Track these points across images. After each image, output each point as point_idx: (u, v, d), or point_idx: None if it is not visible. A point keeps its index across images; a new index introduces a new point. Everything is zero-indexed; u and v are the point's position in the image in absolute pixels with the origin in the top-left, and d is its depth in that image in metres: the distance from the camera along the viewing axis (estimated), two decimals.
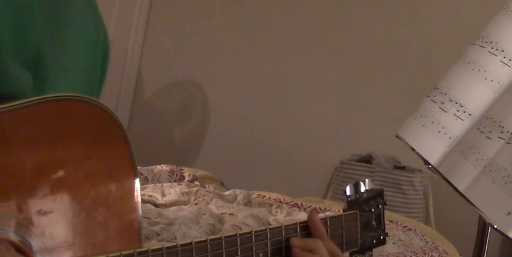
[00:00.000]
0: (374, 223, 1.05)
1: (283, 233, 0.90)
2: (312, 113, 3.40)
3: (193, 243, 0.78)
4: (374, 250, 1.07)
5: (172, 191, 2.26)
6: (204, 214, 1.98)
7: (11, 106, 0.70)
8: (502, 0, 1.36)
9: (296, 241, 0.92)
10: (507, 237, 1.13)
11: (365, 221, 1.04)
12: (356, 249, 1.03)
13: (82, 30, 0.89)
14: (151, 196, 2.19)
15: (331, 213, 2.17)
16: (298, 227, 0.93)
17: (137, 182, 0.79)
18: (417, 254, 1.88)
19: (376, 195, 1.06)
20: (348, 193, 1.04)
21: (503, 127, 1.21)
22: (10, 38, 0.78)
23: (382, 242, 1.07)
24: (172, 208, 2.09)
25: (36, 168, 0.71)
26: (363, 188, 1.04)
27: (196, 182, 2.49)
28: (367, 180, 1.05)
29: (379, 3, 3.31)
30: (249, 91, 3.54)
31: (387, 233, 1.08)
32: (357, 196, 1.03)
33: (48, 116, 0.73)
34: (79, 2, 0.90)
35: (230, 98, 3.59)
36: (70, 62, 0.87)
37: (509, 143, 1.18)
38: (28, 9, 0.80)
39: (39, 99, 0.72)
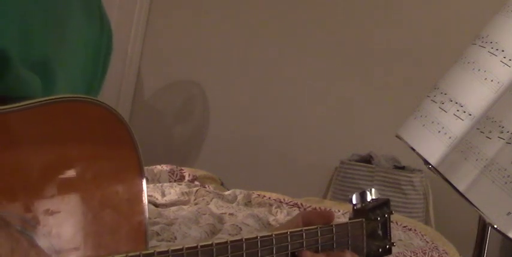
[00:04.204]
0: (380, 232, 1.05)
1: (289, 239, 0.90)
2: (311, 113, 3.40)
3: (199, 246, 0.78)
4: None
5: (173, 191, 2.26)
6: (204, 214, 1.98)
7: (19, 106, 0.70)
8: (502, 0, 1.36)
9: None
10: (507, 237, 1.13)
11: (371, 230, 1.03)
12: None
13: (83, 25, 0.89)
14: (151, 196, 2.19)
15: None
16: (304, 234, 0.92)
17: (144, 184, 0.79)
18: (417, 254, 1.88)
19: (382, 204, 1.06)
20: (354, 201, 1.03)
21: (503, 127, 1.21)
22: (18, 44, 0.78)
23: (388, 252, 1.07)
24: (172, 208, 2.10)
25: (44, 168, 0.71)
26: (369, 197, 1.04)
27: (196, 182, 2.50)
28: (373, 189, 1.05)
29: (379, 4, 3.31)
30: (249, 91, 3.54)
31: (393, 243, 1.08)
32: (363, 204, 1.03)
33: (56, 116, 0.73)
34: None
35: (230, 98, 3.59)
36: (70, 59, 0.86)
37: (509, 143, 1.18)
38: (31, 13, 0.80)
39: (46, 100, 0.72)
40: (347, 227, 0.99)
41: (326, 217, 0.97)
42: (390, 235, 1.08)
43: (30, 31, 0.80)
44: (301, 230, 0.92)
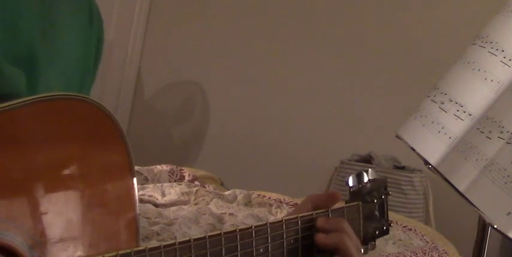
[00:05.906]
0: (377, 213, 1.04)
1: (284, 228, 0.89)
2: (311, 113, 3.40)
3: (191, 240, 0.77)
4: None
5: (172, 191, 2.26)
6: (204, 214, 1.98)
7: (7, 106, 0.69)
8: (502, 0, 1.36)
9: (321, 222, 0.91)
10: (507, 237, 1.13)
11: (367, 212, 1.02)
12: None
13: (74, 17, 0.88)
14: (151, 196, 2.19)
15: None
16: (299, 221, 0.91)
17: (134, 181, 0.79)
18: (417, 254, 1.88)
19: (379, 185, 1.04)
20: (350, 183, 1.01)
21: (503, 127, 1.21)
22: (2, 39, 0.77)
23: (385, 233, 1.06)
24: (172, 208, 2.09)
25: (32, 168, 0.70)
26: (365, 179, 1.02)
27: (196, 182, 2.49)
28: (370, 170, 1.03)
29: (379, 4, 3.31)
30: (249, 91, 3.54)
31: (390, 223, 1.06)
32: (360, 186, 1.01)
33: (44, 115, 0.72)
34: None
35: (230, 98, 3.59)
36: (61, 51, 0.85)
37: (509, 143, 1.19)
38: (17, 6, 0.79)
39: (34, 98, 0.71)
40: (343, 211, 0.97)
41: (332, 197, 0.96)
42: (387, 215, 1.06)
43: (16, 25, 0.79)
44: (297, 217, 0.91)
